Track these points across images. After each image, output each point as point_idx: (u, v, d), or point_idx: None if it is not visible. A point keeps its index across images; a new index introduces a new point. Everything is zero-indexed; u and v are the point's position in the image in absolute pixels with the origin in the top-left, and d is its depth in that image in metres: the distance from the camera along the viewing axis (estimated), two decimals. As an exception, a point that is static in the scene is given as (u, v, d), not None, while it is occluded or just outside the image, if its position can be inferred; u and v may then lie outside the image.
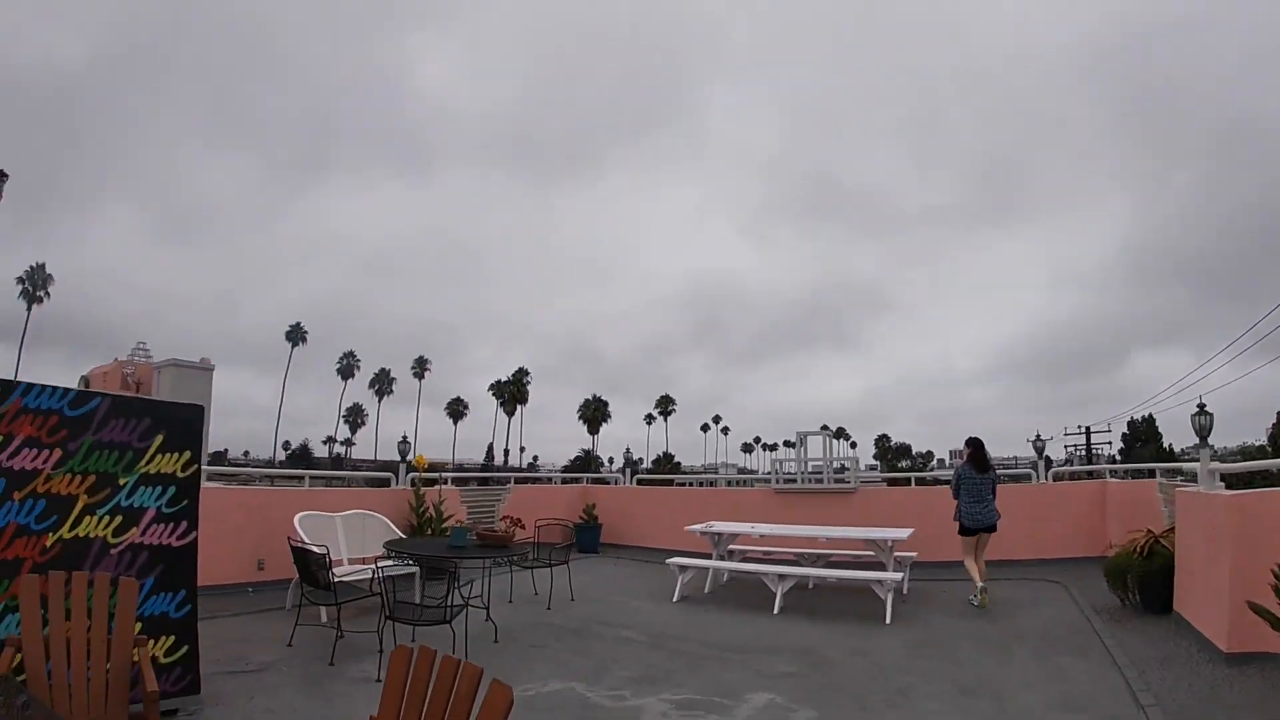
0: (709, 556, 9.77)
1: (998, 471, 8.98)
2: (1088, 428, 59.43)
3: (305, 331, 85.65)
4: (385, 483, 11.17)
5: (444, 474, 11.83)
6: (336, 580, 6.43)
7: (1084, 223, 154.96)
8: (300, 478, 10.79)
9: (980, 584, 8.35)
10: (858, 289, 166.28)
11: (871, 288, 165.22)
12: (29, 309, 60.59)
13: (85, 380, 51.22)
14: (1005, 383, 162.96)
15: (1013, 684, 5.50)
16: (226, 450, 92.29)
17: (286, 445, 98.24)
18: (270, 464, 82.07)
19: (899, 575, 8.10)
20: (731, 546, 10.09)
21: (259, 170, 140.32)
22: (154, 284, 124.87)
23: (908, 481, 12.05)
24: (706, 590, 9.38)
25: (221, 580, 8.45)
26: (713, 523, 10.04)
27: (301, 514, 7.85)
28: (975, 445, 8.73)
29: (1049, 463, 16.11)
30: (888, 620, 7.60)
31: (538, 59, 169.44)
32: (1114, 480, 10.98)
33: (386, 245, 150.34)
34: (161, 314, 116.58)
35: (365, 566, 7.42)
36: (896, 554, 8.87)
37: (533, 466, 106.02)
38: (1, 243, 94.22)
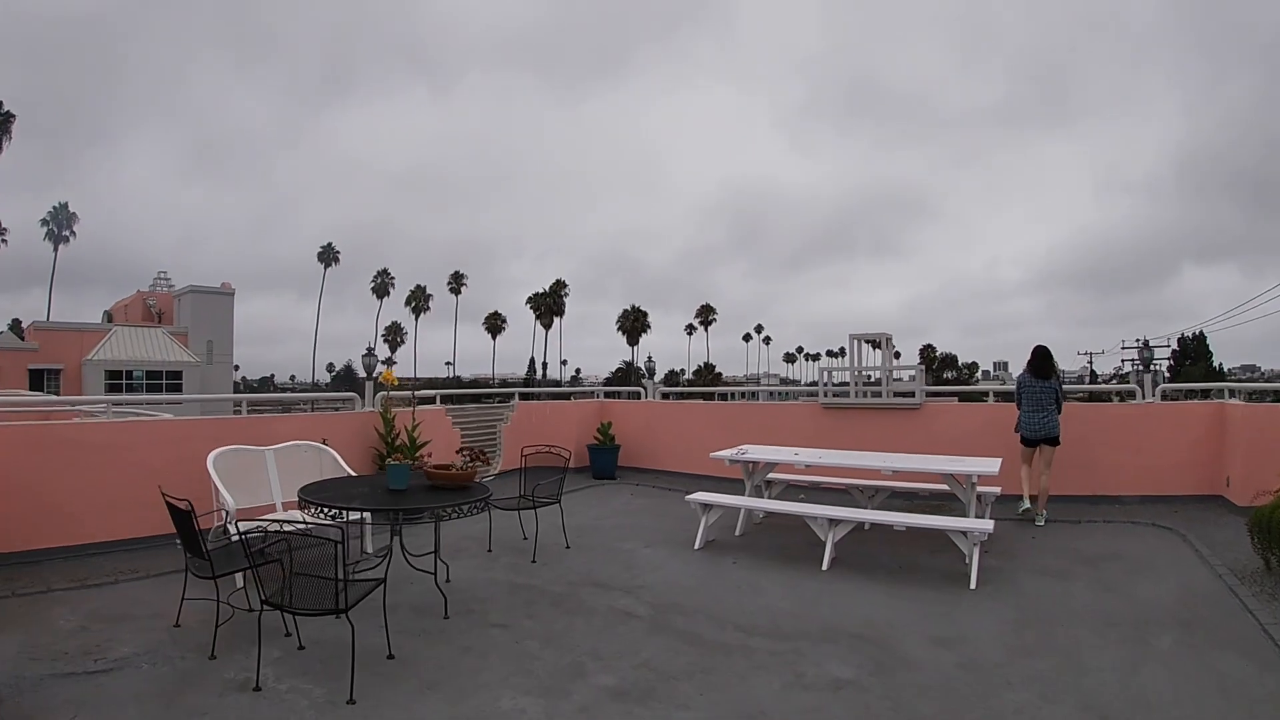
0: (742, 489, 8.07)
1: (1062, 381, 8.35)
2: (1146, 341, 56.38)
3: (337, 252, 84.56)
4: (349, 404, 9.39)
5: (424, 391, 10.14)
6: (235, 538, 4.87)
7: (1134, 127, 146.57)
8: (239, 403, 9.17)
9: (1029, 496, 8.09)
10: (900, 194, 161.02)
11: (915, 193, 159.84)
12: (55, 250, 61.37)
13: (108, 315, 50.64)
14: (1051, 294, 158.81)
15: (1167, 707, 3.73)
16: (274, 375, 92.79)
17: (330, 367, 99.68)
18: (316, 387, 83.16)
19: (989, 524, 6.25)
20: (771, 475, 8.34)
21: (282, 95, 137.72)
22: (188, 215, 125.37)
23: (983, 396, 10.10)
24: (738, 532, 7.67)
25: (144, 532, 6.97)
26: (746, 447, 8.26)
27: (218, 450, 6.20)
28: (1037, 352, 8.24)
29: (1157, 377, 13.87)
30: (973, 584, 5.84)
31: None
32: (1236, 402, 8.90)
33: (414, 161, 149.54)
34: (197, 245, 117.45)
35: (301, 513, 5.82)
36: (981, 489, 7.10)
37: (575, 379, 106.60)
38: (28, 185, 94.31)
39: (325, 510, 4.69)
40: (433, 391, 10.26)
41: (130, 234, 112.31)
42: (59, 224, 61.57)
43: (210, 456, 6.05)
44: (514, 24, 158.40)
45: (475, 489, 5.23)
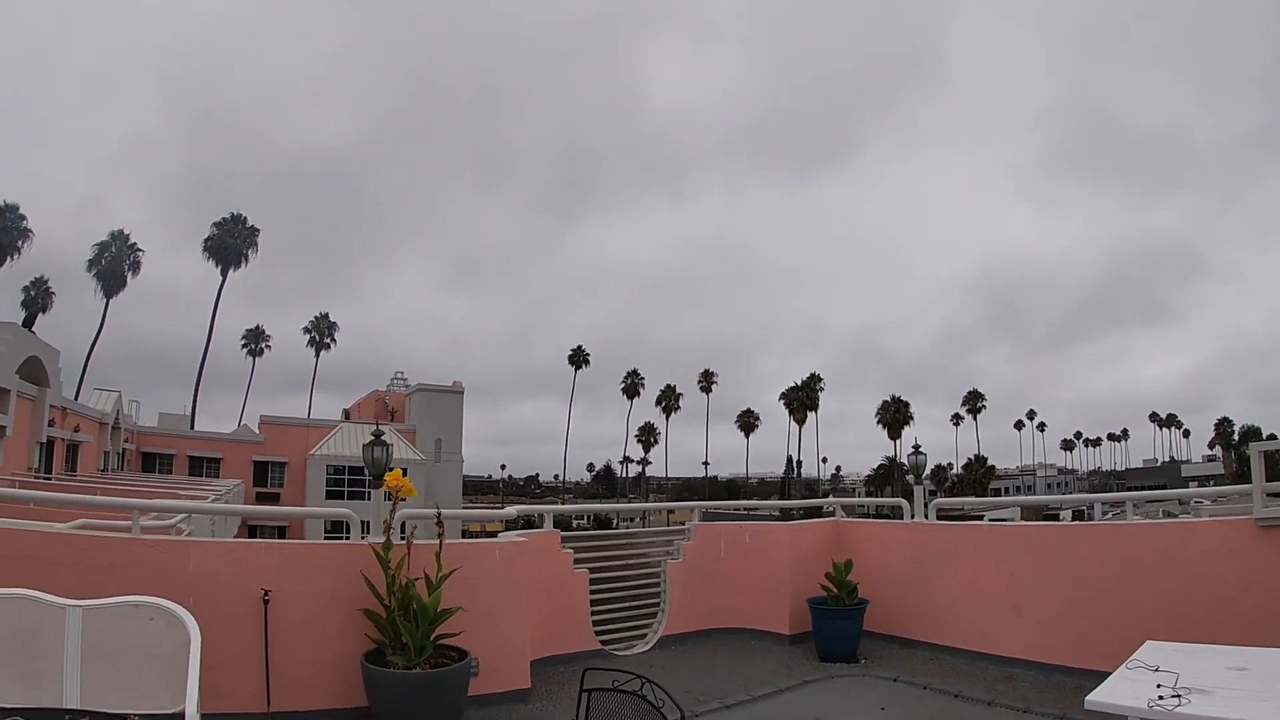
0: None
1: None
2: None
3: (587, 355, 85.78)
4: (338, 529, 5.43)
5: (523, 507, 6.27)
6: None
7: None
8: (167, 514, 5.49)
9: None
10: (1164, 248, 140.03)
11: (1179, 244, 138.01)
12: (317, 356, 68.49)
13: (346, 413, 54.86)
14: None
15: None
16: (538, 474, 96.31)
17: (590, 467, 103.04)
18: (578, 486, 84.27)
19: None
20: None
21: (525, 210, 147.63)
22: (450, 327, 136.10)
23: None
24: None
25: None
26: (1160, 661, 3.47)
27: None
28: None
29: None
30: None
31: (765, 39, 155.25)
32: None
33: (657, 262, 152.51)
34: (463, 354, 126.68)
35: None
36: None
37: (835, 478, 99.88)
38: (304, 302, 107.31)
39: None
40: (534, 508, 6.23)
41: (393, 344, 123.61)
42: (320, 333, 68.60)
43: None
44: (736, 119, 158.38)
45: None
